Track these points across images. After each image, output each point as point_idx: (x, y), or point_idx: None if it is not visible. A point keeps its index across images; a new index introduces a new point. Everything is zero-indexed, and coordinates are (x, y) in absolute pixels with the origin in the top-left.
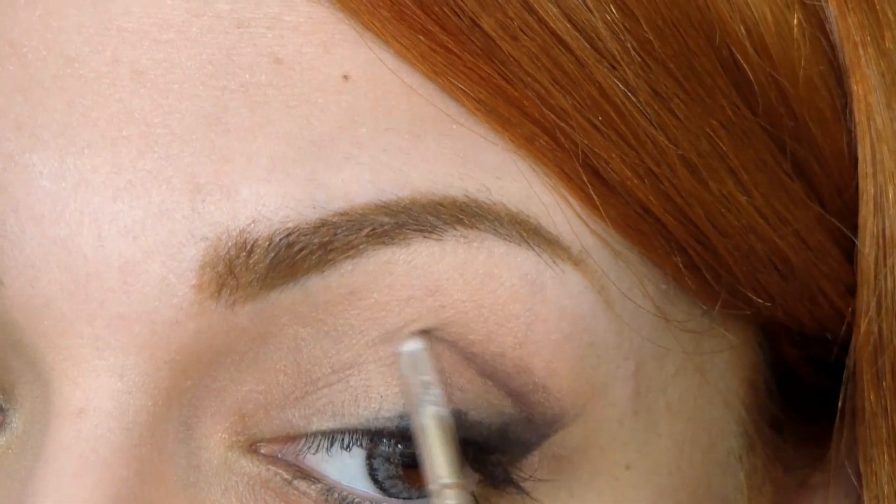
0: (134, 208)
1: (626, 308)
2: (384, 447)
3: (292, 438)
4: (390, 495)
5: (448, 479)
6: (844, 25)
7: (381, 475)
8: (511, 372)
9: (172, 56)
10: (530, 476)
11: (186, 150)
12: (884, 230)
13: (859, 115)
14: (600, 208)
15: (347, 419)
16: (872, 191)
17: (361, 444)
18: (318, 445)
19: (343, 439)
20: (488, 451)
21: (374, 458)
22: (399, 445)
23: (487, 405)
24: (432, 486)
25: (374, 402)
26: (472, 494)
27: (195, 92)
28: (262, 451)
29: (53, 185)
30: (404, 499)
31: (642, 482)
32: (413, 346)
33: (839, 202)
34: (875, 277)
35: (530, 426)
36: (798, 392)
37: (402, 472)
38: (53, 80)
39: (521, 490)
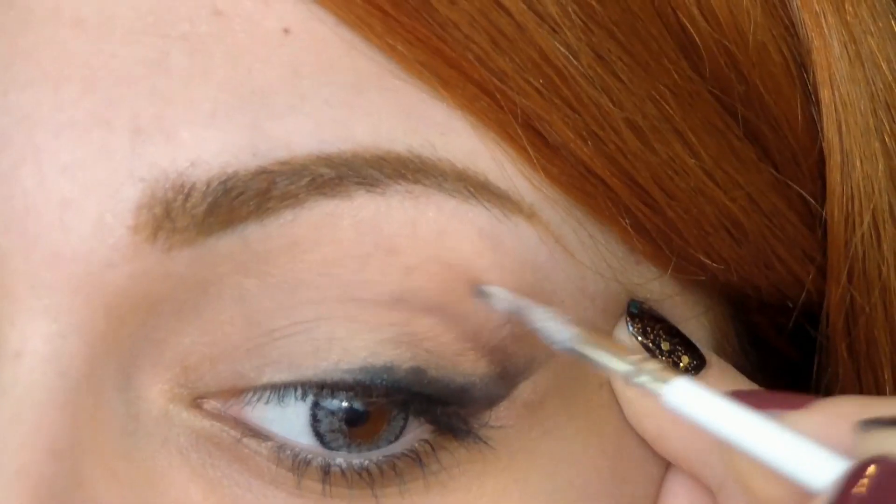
0: (74, 146)
1: (588, 253)
2: (337, 400)
3: (240, 391)
4: (331, 449)
5: (632, 359)
6: None
7: (323, 428)
8: (496, 324)
9: (112, 7)
10: (495, 425)
11: (128, 92)
12: (852, 199)
13: (822, 85)
14: (543, 169)
15: (304, 371)
16: (839, 159)
17: (315, 395)
18: (269, 397)
19: (297, 390)
20: (444, 403)
21: (319, 410)
22: (351, 401)
23: (452, 366)
24: (625, 379)
25: (335, 353)
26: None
27: (136, 39)
28: (206, 406)
29: None
30: (346, 453)
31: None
32: (492, 290)
33: (795, 168)
34: (845, 246)
35: (502, 381)
36: (773, 361)
37: (344, 428)
38: None
39: (478, 439)
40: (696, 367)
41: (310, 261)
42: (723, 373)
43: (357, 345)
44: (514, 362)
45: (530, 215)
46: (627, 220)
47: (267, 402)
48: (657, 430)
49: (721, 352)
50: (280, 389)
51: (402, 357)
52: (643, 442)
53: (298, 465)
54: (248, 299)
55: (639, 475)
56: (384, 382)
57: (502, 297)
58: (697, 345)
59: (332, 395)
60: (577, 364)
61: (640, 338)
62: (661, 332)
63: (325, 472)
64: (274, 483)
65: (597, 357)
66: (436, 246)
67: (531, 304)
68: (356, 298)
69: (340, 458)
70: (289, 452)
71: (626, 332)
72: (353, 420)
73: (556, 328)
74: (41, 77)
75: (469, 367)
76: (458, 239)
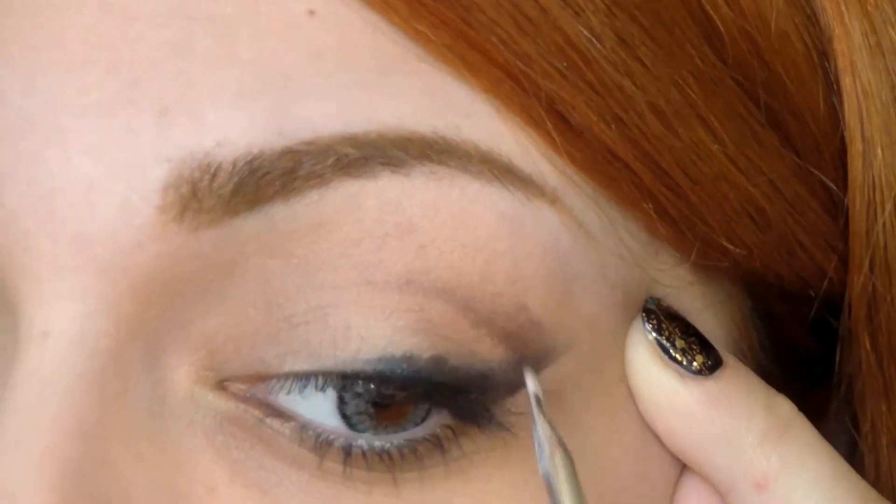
0: (100, 128)
1: (611, 239)
2: (358, 388)
3: (263, 378)
4: (357, 431)
5: None
6: None
7: (349, 410)
8: (510, 311)
9: None
10: (516, 411)
11: (153, 74)
12: (874, 188)
13: (844, 74)
14: (567, 153)
15: (324, 361)
16: (861, 148)
17: (335, 387)
18: (291, 387)
19: (317, 381)
20: (466, 392)
21: (346, 392)
22: (373, 386)
23: (471, 353)
24: None
25: (354, 343)
26: None
27: (161, 21)
28: (231, 389)
29: (24, 100)
30: (371, 435)
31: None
32: (535, 386)
33: (817, 155)
34: (867, 234)
35: (521, 368)
36: (793, 352)
37: (371, 410)
38: (23, 4)
39: (500, 426)
40: (711, 367)
41: (332, 240)
42: (738, 375)
43: (375, 333)
44: (533, 349)
45: (553, 200)
46: (651, 205)
47: (289, 393)
48: (669, 429)
49: (738, 344)
50: (302, 379)
51: (421, 346)
52: (660, 440)
53: (320, 445)
54: (271, 280)
55: (657, 474)
56: (404, 372)
57: (531, 386)
58: (715, 344)
59: (353, 387)
60: (597, 356)
61: (654, 334)
62: (676, 329)
63: (347, 453)
64: (296, 464)
65: (561, 491)
66: (455, 227)
67: (542, 417)
68: (370, 281)
69: (362, 440)
70: (311, 433)
71: (641, 329)
72: (380, 402)
73: (544, 452)
74: (67, 60)
75: (487, 353)
76: (478, 221)
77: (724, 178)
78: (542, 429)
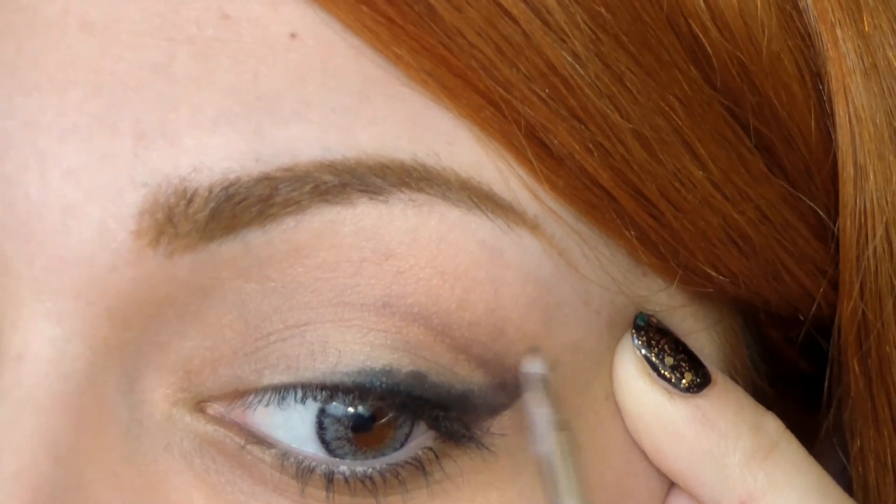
0: (78, 151)
1: (592, 266)
2: (339, 402)
3: (242, 394)
4: (336, 456)
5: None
6: (821, 5)
7: (329, 435)
8: (486, 340)
9: (120, 9)
10: (497, 432)
11: (132, 97)
12: (865, 213)
13: (837, 97)
14: (547, 180)
15: (302, 373)
16: (853, 172)
17: (316, 398)
18: (270, 399)
19: (297, 392)
20: (445, 409)
21: (325, 417)
22: (352, 404)
23: (451, 373)
24: None
25: (332, 356)
26: None
27: (142, 42)
28: (210, 411)
29: (2, 121)
30: (351, 461)
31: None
32: (536, 368)
33: (807, 180)
34: (857, 260)
35: (502, 390)
36: (785, 372)
37: (350, 435)
38: (5, 25)
39: (481, 446)
40: (699, 384)
41: (309, 265)
42: (727, 393)
43: (352, 349)
44: (514, 374)
45: (534, 227)
46: (633, 233)
47: (267, 405)
48: (655, 445)
49: (730, 364)
50: (280, 391)
51: (400, 361)
52: (647, 456)
53: (302, 472)
54: (247, 303)
55: (643, 491)
56: (384, 385)
57: (534, 370)
58: (704, 362)
59: (332, 398)
60: (582, 376)
61: (643, 351)
62: (665, 346)
63: (329, 479)
64: (277, 490)
65: (558, 479)
66: (434, 254)
67: (543, 396)
68: (347, 302)
69: (344, 466)
70: (293, 460)
71: (630, 345)
72: (359, 427)
73: (544, 429)
74: (47, 81)
75: (466, 375)
76: (457, 249)
77: (709, 205)
78: (538, 411)
